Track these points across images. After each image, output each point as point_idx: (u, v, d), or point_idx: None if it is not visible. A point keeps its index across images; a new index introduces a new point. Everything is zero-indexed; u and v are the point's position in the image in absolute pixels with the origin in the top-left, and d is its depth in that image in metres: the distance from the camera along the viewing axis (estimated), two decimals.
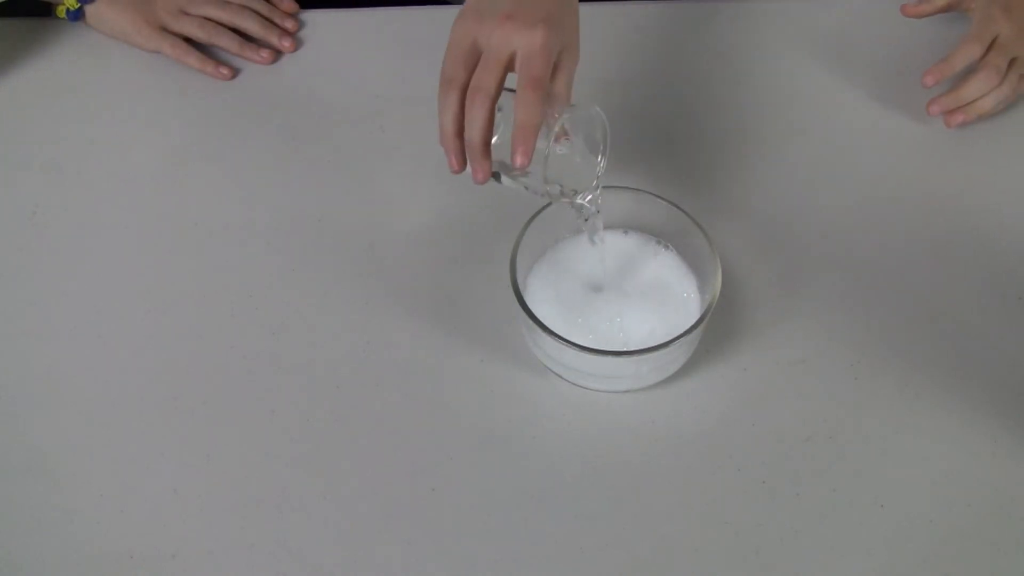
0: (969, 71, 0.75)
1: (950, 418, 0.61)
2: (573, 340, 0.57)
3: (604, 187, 0.62)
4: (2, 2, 0.82)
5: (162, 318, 0.67)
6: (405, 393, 0.63)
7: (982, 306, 0.67)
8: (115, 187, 0.75)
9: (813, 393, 0.63)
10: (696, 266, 0.64)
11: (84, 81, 0.83)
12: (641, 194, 0.64)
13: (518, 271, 0.60)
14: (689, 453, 0.60)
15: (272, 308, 0.68)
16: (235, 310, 0.68)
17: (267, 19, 0.85)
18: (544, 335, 0.57)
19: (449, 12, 0.56)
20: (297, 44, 0.85)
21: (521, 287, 0.60)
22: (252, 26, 0.84)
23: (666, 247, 0.65)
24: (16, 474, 0.60)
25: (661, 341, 0.56)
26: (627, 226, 0.66)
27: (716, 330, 0.65)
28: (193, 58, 0.82)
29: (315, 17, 0.88)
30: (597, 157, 0.59)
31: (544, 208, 0.62)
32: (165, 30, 0.83)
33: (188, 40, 0.84)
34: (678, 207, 0.63)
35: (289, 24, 0.86)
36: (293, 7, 0.88)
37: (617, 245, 0.66)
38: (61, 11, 0.84)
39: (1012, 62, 0.74)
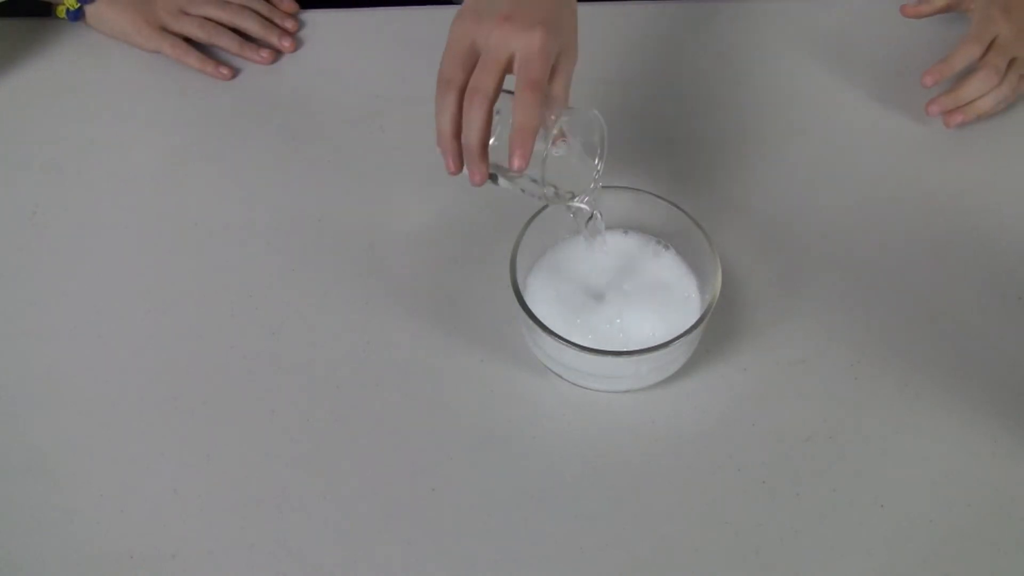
0: (968, 71, 0.75)
1: (950, 418, 0.61)
2: (573, 340, 0.57)
3: (604, 187, 0.62)
4: (2, 2, 0.82)
5: (162, 318, 0.67)
6: (405, 393, 0.63)
7: (982, 306, 0.67)
8: (115, 187, 0.75)
9: (813, 393, 0.63)
10: (696, 266, 0.64)
11: (84, 81, 0.83)
12: (641, 194, 0.64)
13: (518, 271, 0.60)
14: (689, 453, 0.60)
15: (272, 308, 0.68)
16: (235, 310, 0.68)
17: (267, 19, 0.85)
18: (544, 335, 0.57)
19: (449, 12, 0.56)
20: (297, 44, 0.85)
21: (521, 287, 0.60)
22: (252, 26, 0.84)
23: (666, 247, 0.65)
24: (16, 474, 0.60)
25: (661, 341, 0.56)
26: (627, 226, 0.66)
27: (716, 330, 0.65)
28: (193, 58, 0.82)
29: (315, 17, 0.88)
30: (595, 160, 0.59)
31: (544, 208, 0.62)
32: (165, 30, 0.83)
33: (188, 40, 0.84)
34: (678, 207, 0.63)
35: (289, 24, 0.86)
36: (293, 7, 0.88)
37: (617, 245, 0.66)
38: (61, 11, 0.84)
39: (1011, 62, 0.74)
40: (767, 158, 0.76)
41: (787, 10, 0.87)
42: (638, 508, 0.58)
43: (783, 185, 0.74)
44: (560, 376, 0.62)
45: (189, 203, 0.74)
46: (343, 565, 0.56)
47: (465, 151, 0.55)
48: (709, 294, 0.60)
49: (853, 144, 0.77)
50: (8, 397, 0.64)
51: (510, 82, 0.55)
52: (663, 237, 0.66)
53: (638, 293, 0.64)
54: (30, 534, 0.58)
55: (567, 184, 0.59)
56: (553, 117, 0.55)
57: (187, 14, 0.84)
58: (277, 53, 0.85)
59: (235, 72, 0.83)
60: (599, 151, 0.58)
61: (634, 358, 0.57)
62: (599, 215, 0.60)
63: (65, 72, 0.84)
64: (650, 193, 0.64)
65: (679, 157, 0.76)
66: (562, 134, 0.57)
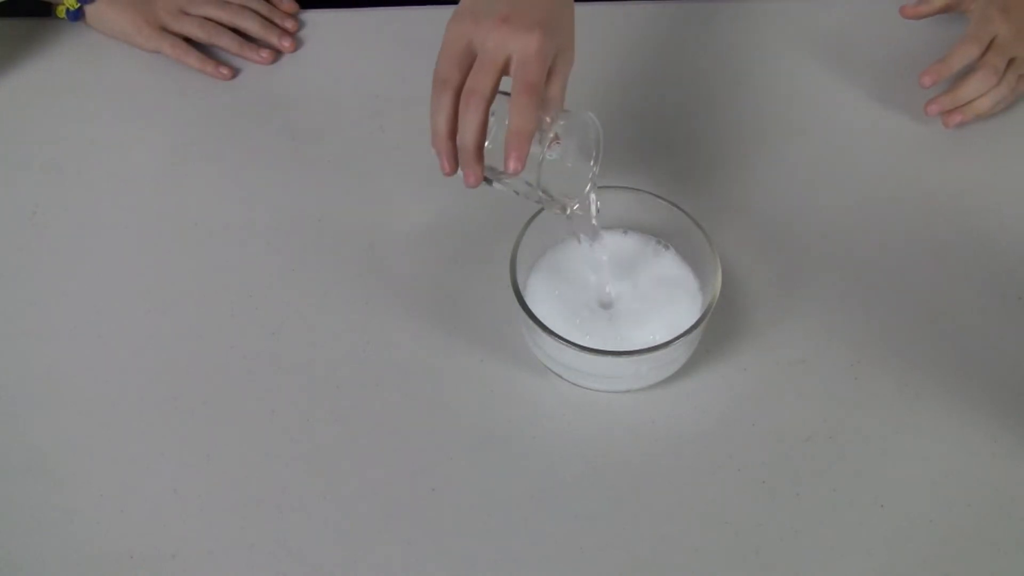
0: (967, 71, 0.75)
1: (950, 418, 0.61)
2: (573, 340, 0.57)
3: (605, 187, 0.62)
4: (2, 2, 0.82)
5: (162, 318, 0.67)
6: (405, 393, 0.63)
7: (982, 306, 0.67)
8: (115, 187, 0.75)
9: (813, 393, 0.63)
10: (696, 266, 0.64)
11: (84, 81, 0.83)
12: (641, 194, 0.64)
13: (518, 271, 0.60)
14: (689, 453, 0.60)
15: (272, 308, 0.68)
16: (235, 310, 0.68)
17: (267, 19, 0.85)
18: (544, 335, 0.57)
19: (449, 12, 0.56)
20: (297, 44, 0.85)
21: (521, 287, 0.60)
22: (252, 26, 0.84)
23: (666, 247, 0.65)
24: (16, 474, 0.60)
25: (661, 341, 0.56)
26: (627, 226, 0.66)
27: (716, 330, 0.65)
28: (193, 58, 0.82)
29: (315, 17, 0.88)
30: (590, 163, 0.58)
31: (543, 209, 0.62)
32: (165, 30, 0.83)
33: (188, 40, 0.84)
34: (678, 207, 0.63)
35: (289, 24, 0.86)
36: (293, 7, 0.88)
37: (617, 245, 0.66)
38: (61, 11, 0.84)
39: (1010, 62, 0.74)
40: (767, 158, 0.76)
41: (787, 10, 0.87)
42: (638, 508, 0.58)
43: (783, 185, 0.74)
44: (560, 376, 0.62)
45: (189, 203, 0.74)
46: (343, 565, 0.56)
47: (460, 152, 0.55)
48: (709, 294, 0.60)
49: (853, 144, 0.77)
50: (8, 397, 0.64)
51: (506, 83, 0.55)
52: (663, 237, 0.66)
53: (638, 293, 0.64)
54: (30, 534, 0.58)
55: (562, 187, 0.59)
56: (549, 120, 0.55)
57: (187, 14, 0.84)
58: (277, 53, 0.85)
59: (235, 72, 0.83)
60: (595, 154, 0.58)
61: (634, 358, 0.57)
62: (594, 218, 0.60)
63: (65, 72, 0.84)
64: (650, 193, 0.64)
65: (679, 157, 0.76)
66: (557, 137, 0.57)
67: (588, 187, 0.59)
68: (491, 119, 0.54)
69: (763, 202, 0.73)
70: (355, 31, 0.87)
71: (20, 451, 0.61)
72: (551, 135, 0.55)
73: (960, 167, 0.75)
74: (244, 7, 0.85)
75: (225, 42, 0.83)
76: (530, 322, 0.58)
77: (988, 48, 0.74)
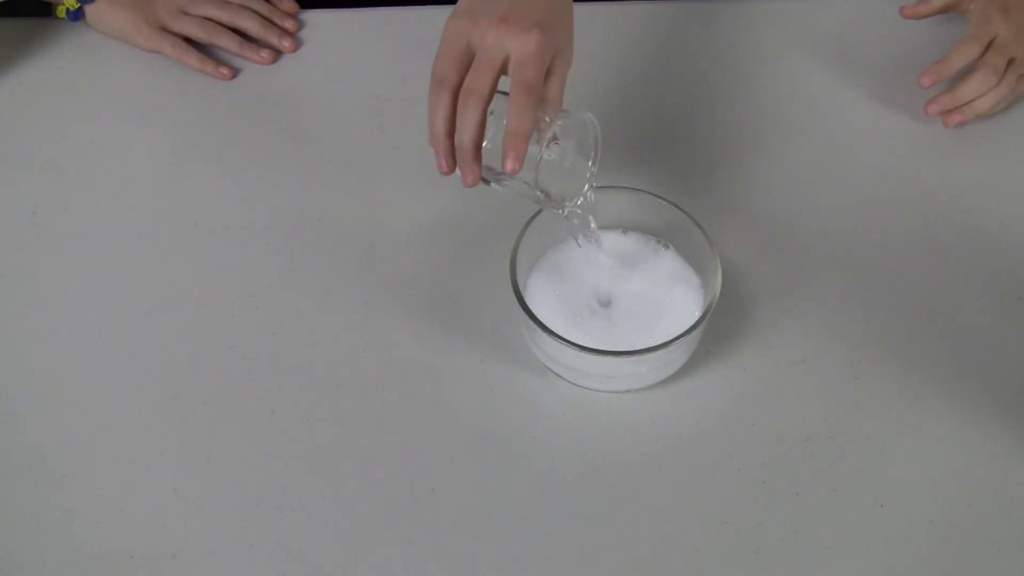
0: (967, 71, 0.75)
1: (950, 418, 0.61)
2: (573, 340, 0.57)
3: (604, 188, 0.62)
4: (2, 2, 0.82)
5: (162, 318, 0.67)
6: (405, 393, 0.63)
7: (982, 306, 0.67)
8: (115, 187, 0.75)
9: (813, 393, 0.63)
10: (696, 266, 0.64)
11: (84, 81, 0.83)
12: (641, 194, 0.64)
13: (518, 271, 0.60)
14: (689, 453, 0.60)
15: (272, 308, 0.68)
16: (235, 310, 0.68)
17: (267, 19, 0.85)
18: (544, 335, 0.57)
19: (448, 12, 0.56)
20: (297, 44, 0.85)
21: (521, 287, 0.60)
22: (252, 26, 0.84)
23: (665, 246, 0.65)
24: (16, 474, 0.60)
25: (661, 341, 0.56)
26: (627, 226, 0.66)
27: (716, 330, 0.65)
28: (193, 58, 0.82)
29: (315, 17, 0.88)
30: (588, 163, 0.58)
31: (543, 209, 0.62)
32: (165, 30, 0.83)
33: (188, 40, 0.84)
34: (678, 207, 0.63)
35: (289, 24, 0.86)
36: (293, 7, 0.88)
37: (617, 245, 0.66)
38: (61, 11, 0.84)
39: (1010, 62, 0.74)
40: (767, 158, 0.76)
41: (787, 10, 0.87)
42: (638, 508, 0.58)
43: (783, 185, 0.74)
44: (560, 376, 0.62)
45: (189, 203, 0.74)
46: (343, 565, 0.56)
47: (458, 151, 0.55)
48: (709, 294, 0.60)
49: (853, 144, 0.77)
50: (8, 397, 0.64)
51: (504, 83, 0.55)
52: (663, 237, 0.66)
53: (638, 293, 0.64)
54: (30, 534, 0.58)
55: (560, 187, 0.59)
56: (547, 120, 0.55)
57: (187, 14, 0.84)
58: (277, 53, 0.85)
59: (235, 72, 0.83)
60: (593, 154, 0.58)
61: (634, 358, 0.57)
62: (592, 219, 0.60)
63: (65, 72, 0.84)
64: (650, 193, 0.64)
65: (679, 157, 0.76)
66: (555, 138, 0.57)
67: (586, 187, 0.59)
68: (489, 119, 0.54)
69: (763, 202, 0.73)
70: (355, 31, 0.87)
71: (20, 451, 0.61)
72: (549, 135, 0.55)
73: (960, 167, 0.75)
74: (244, 7, 0.85)
75: (225, 42, 0.83)
76: (530, 322, 0.58)
77: (988, 48, 0.74)
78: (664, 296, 0.63)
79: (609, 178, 0.64)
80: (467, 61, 0.54)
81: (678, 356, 0.61)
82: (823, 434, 0.61)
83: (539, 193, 0.56)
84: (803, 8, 0.87)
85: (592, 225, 0.60)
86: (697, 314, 0.60)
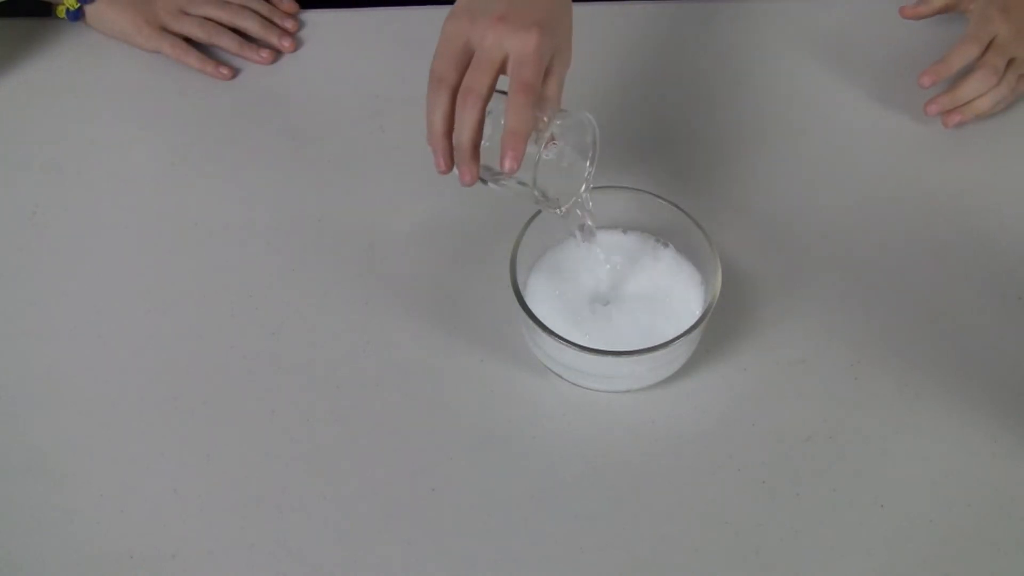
0: (967, 71, 0.75)
1: (950, 418, 0.61)
2: (573, 340, 0.57)
3: (605, 187, 0.62)
4: (2, 2, 0.82)
5: (162, 318, 0.67)
6: (405, 393, 0.63)
7: (982, 306, 0.67)
8: (115, 187, 0.75)
9: (813, 393, 0.63)
10: (696, 266, 0.64)
11: (84, 81, 0.83)
12: (641, 194, 0.64)
13: (518, 271, 0.60)
14: (689, 453, 0.60)
15: (272, 308, 0.68)
16: (235, 310, 0.68)
17: (267, 19, 0.85)
18: (544, 335, 0.57)
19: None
20: (297, 44, 0.85)
21: (521, 287, 0.60)
22: (252, 26, 0.84)
23: (665, 245, 0.65)
24: (16, 474, 0.60)
25: (661, 341, 0.56)
26: (627, 226, 0.66)
27: (716, 330, 0.65)
28: (193, 58, 0.82)
29: (315, 17, 0.88)
30: (586, 162, 0.58)
31: (540, 208, 0.62)
32: (165, 30, 0.83)
33: (188, 40, 0.84)
34: (678, 207, 0.63)
35: (289, 24, 0.86)
36: (293, 7, 0.88)
37: (617, 245, 0.66)
38: (61, 11, 0.84)
39: (1010, 62, 0.74)
40: (767, 158, 0.76)
41: (787, 10, 0.87)
42: (638, 508, 0.58)
43: (783, 185, 0.74)
44: (560, 376, 0.62)
45: (189, 203, 0.74)
46: (343, 565, 0.56)
47: (456, 151, 0.55)
48: (709, 294, 0.60)
49: (853, 144, 0.77)
50: (8, 397, 0.64)
51: (502, 82, 0.55)
52: (663, 237, 0.66)
53: (638, 293, 0.64)
54: (30, 534, 0.58)
55: (559, 187, 0.59)
56: (546, 119, 0.55)
57: (187, 14, 0.84)
58: (277, 53, 0.85)
59: (235, 72, 0.83)
60: (591, 154, 0.58)
61: (634, 358, 0.57)
62: (589, 219, 0.60)
63: (65, 72, 0.84)
64: (650, 193, 0.64)
65: (679, 157, 0.76)
66: (553, 138, 0.57)
67: (583, 187, 0.59)
68: (487, 118, 0.54)
69: (763, 202, 0.73)
70: (355, 31, 0.87)
71: (20, 451, 0.61)
72: (548, 135, 0.55)
73: (960, 167, 0.75)
74: (244, 7, 0.85)
75: (225, 42, 0.83)
76: (530, 322, 0.58)
77: (988, 48, 0.74)
78: (664, 296, 0.63)
79: (609, 178, 0.64)
80: (466, 60, 0.54)
81: (678, 356, 0.61)
82: (823, 434, 0.61)
83: (537, 193, 0.56)
84: (803, 8, 0.87)
85: (588, 223, 0.60)
86: (697, 314, 0.60)
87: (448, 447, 0.61)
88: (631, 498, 0.59)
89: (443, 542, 0.57)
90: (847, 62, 0.82)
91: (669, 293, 0.63)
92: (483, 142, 0.55)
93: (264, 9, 0.86)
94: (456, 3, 0.56)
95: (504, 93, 0.54)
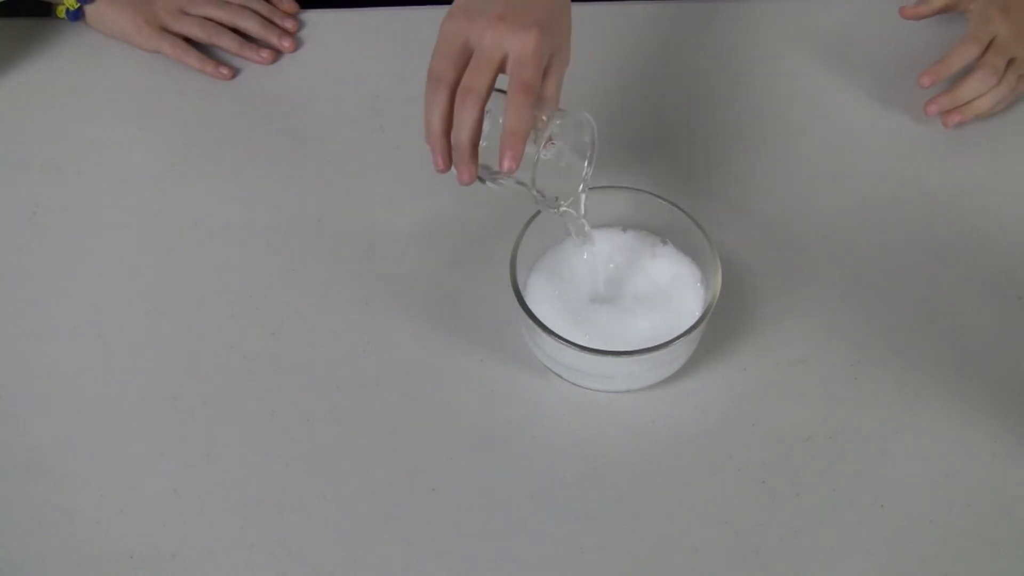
0: (967, 71, 0.75)
1: (950, 418, 0.61)
2: (573, 340, 0.57)
3: (604, 187, 0.62)
4: (2, 2, 0.82)
5: (162, 318, 0.67)
6: (405, 393, 0.63)
7: (982, 306, 0.67)
8: (115, 187, 0.75)
9: (813, 393, 0.63)
10: (696, 266, 0.64)
11: (84, 81, 0.83)
12: (641, 194, 0.64)
13: (518, 271, 0.60)
14: (689, 453, 0.60)
15: (272, 308, 0.68)
16: (235, 310, 0.68)
17: (267, 19, 0.85)
18: (544, 335, 0.57)
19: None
20: (297, 44, 0.85)
21: (521, 287, 0.60)
22: (252, 26, 0.84)
23: (664, 243, 0.65)
24: (16, 474, 0.60)
25: (661, 341, 0.56)
26: (627, 226, 0.66)
27: (716, 330, 0.65)
28: (193, 58, 0.82)
29: (315, 17, 0.88)
30: (584, 162, 0.58)
31: (539, 207, 0.62)
32: (165, 30, 0.83)
33: (188, 40, 0.84)
34: (678, 207, 0.63)
35: (289, 24, 0.86)
36: (293, 7, 0.88)
37: (617, 244, 0.66)
38: (61, 11, 0.84)
39: (1010, 62, 0.74)
40: (767, 158, 0.76)
41: (787, 10, 0.87)
42: (638, 508, 0.58)
43: (783, 185, 0.74)
44: (560, 376, 0.62)
45: (189, 203, 0.74)
46: (343, 565, 0.56)
47: (455, 150, 0.55)
48: (709, 294, 0.60)
49: (853, 144, 0.77)
50: (8, 397, 0.64)
51: (501, 81, 0.55)
52: (663, 237, 0.66)
53: (638, 293, 0.64)
54: (30, 534, 0.58)
55: (557, 187, 0.59)
56: (544, 119, 0.55)
57: (187, 14, 0.84)
58: (277, 53, 0.85)
59: (235, 72, 0.83)
60: (589, 154, 0.58)
61: (634, 358, 0.57)
62: (584, 219, 0.60)
63: (65, 72, 0.84)
64: (650, 193, 0.64)
65: (679, 157, 0.76)
66: (551, 138, 0.57)
67: (581, 187, 0.59)
68: (486, 117, 0.54)
69: (763, 202, 0.73)
70: (355, 31, 0.87)
71: (20, 451, 0.61)
72: (546, 135, 0.55)
73: (960, 167, 0.75)
74: (244, 7, 0.85)
75: (225, 42, 0.83)
76: (530, 322, 0.58)
77: (988, 48, 0.74)
78: (664, 296, 0.63)
79: (609, 178, 0.64)
80: (464, 60, 0.54)
81: (678, 356, 0.61)
82: (823, 434, 0.61)
83: (535, 192, 0.56)
84: (803, 8, 0.87)
85: (584, 223, 0.60)
86: (697, 314, 0.60)
87: (448, 447, 0.61)
88: (631, 498, 0.59)
89: (443, 542, 0.57)
90: (847, 62, 0.82)
91: (669, 293, 0.63)
92: (482, 141, 0.55)
93: (264, 9, 0.86)
94: (454, 3, 0.56)
95: (503, 92, 0.54)
